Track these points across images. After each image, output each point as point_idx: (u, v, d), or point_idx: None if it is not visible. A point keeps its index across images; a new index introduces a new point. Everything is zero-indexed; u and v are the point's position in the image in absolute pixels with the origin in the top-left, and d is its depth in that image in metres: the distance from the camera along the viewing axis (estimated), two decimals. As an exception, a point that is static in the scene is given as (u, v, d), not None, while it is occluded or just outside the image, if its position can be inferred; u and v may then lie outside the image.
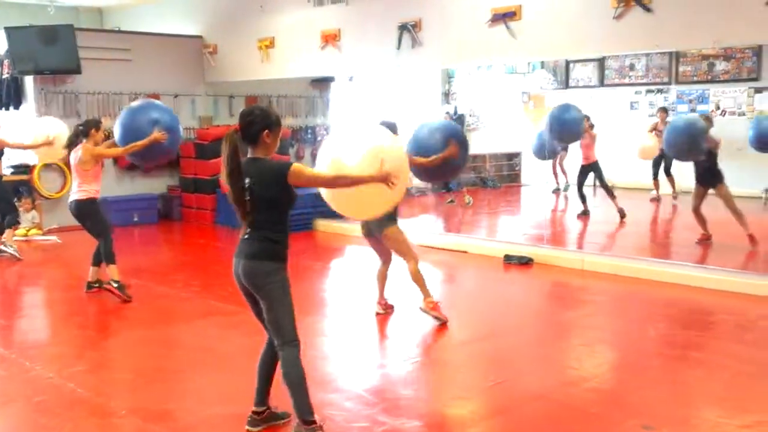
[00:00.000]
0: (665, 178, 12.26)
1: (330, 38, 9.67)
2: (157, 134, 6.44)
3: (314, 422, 3.62)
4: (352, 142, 3.84)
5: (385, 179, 3.62)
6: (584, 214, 10.94)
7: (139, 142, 6.46)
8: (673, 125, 8.55)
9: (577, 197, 11.00)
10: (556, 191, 13.95)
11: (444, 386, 4.63)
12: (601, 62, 14.61)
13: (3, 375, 4.79)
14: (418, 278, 5.82)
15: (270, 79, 11.25)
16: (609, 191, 10.63)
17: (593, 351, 5.32)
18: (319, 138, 13.23)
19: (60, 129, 8.32)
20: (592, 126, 10.79)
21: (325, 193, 3.85)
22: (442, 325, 5.73)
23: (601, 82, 14.80)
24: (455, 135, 6.02)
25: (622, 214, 10.44)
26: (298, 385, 3.60)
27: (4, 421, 4.17)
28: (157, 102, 7.27)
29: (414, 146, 5.93)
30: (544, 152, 12.01)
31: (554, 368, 4.92)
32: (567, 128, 10.07)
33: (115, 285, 6.60)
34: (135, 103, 7.06)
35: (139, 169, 11.06)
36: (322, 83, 13.09)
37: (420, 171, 6.03)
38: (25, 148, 8.47)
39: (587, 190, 11.02)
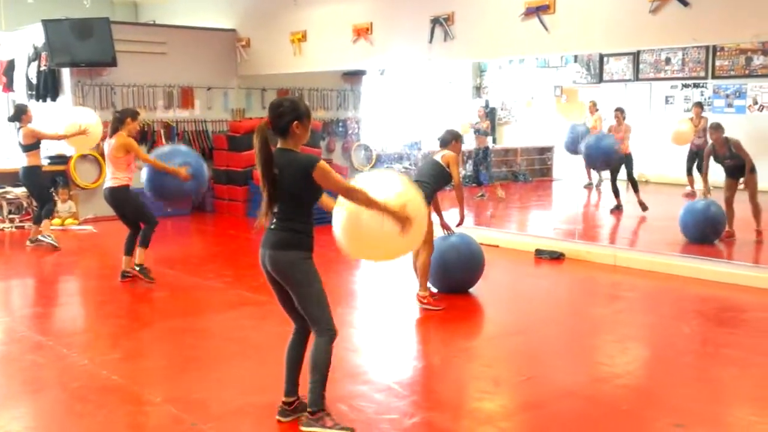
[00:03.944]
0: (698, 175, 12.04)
1: (362, 32, 9.67)
2: (183, 170, 6.49)
3: (319, 412, 3.67)
4: (389, 180, 3.78)
5: (402, 219, 3.53)
6: (617, 209, 10.82)
7: (165, 164, 6.50)
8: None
9: (610, 192, 10.90)
10: (588, 186, 13.82)
11: (474, 380, 4.62)
12: (635, 56, 14.41)
13: (40, 362, 4.89)
14: (425, 270, 5.94)
15: (302, 73, 11.28)
16: (634, 184, 10.58)
17: (625, 347, 5.28)
18: (350, 131, 13.27)
19: (91, 119, 8.54)
20: (624, 118, 10.66)
21: (338, 220, 3.69)
22: (470, 318, 5.72)
23: (636, 77, 14.59)
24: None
25: (644, 207, 10.42)
26: (319, 373, 3.65)
27: (41, 407, 4.26)
28: (184, 148, 7.34)
29: None
30: (575, 147, 11.89)
31: (585, 364, 4.90)
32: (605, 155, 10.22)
33: (138, 269, 6.81)
34: (164, 148, 7.12)
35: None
36: (353, 76, 13.11)
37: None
38: (59, 138, 8.64)
39: (620, 184, 10.91)
